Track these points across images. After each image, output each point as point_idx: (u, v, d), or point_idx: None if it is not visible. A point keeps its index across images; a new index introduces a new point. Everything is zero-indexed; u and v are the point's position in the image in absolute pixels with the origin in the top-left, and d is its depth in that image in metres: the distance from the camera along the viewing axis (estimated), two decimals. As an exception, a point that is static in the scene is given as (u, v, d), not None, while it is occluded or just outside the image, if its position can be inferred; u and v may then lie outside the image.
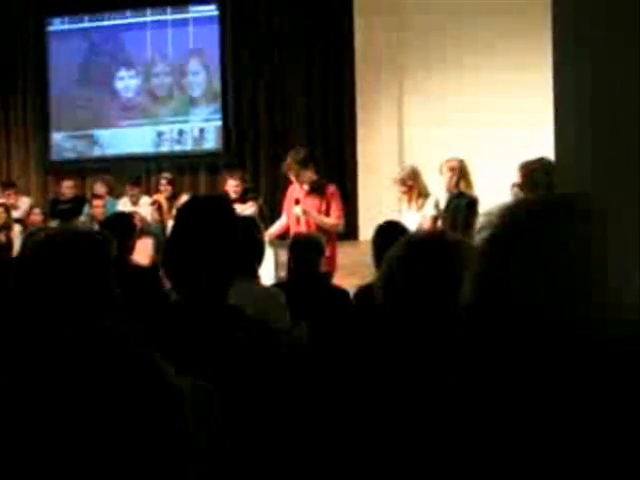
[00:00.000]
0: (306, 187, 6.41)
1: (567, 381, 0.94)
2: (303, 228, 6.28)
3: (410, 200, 6.63)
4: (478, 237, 1.02)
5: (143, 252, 5.29)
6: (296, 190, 6.51)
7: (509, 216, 1.01)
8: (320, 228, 6.20)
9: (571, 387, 0.94)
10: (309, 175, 6.41)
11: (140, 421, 1.30)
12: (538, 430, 0.94)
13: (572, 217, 0.97)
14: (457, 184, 6.37)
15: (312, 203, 6.35)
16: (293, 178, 6.44)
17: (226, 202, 2.47)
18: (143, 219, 8.19)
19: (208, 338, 2.02)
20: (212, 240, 2.13)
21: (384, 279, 1.56)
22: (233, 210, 2.37)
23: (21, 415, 1.28)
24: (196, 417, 1.46)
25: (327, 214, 6.35)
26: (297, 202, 6.37)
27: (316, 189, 6.41)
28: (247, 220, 4.11)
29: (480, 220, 1.04)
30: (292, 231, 6.32)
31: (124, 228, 4.54)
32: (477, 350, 1.00)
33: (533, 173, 5.05)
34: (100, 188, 9.92)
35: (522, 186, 5.19)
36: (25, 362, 1.39)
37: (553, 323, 0.94)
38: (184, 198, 8.54)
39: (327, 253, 5.03)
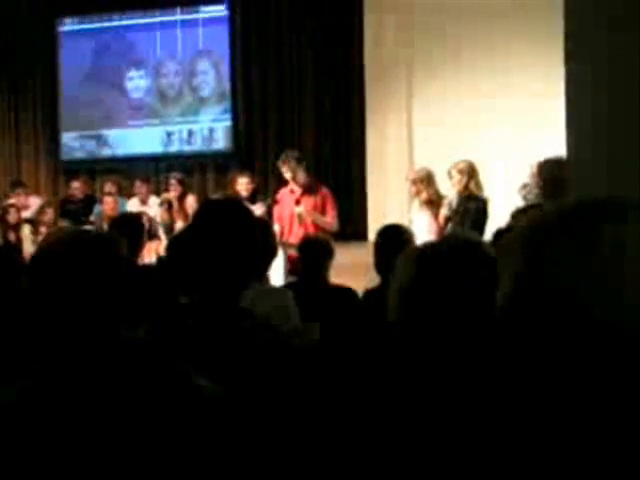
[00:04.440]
0: (298, 188, 6.51)
1: (603, 380, 0.94)
2: (301, 229, 6.37)
3: (421, 202, 6.64)
4: (506, 239, 1.02)
5: (153, 253, 5.30)
6: (287, 194, 6.60)
7: (542, 217, 1.01)
8: (318, 228, 6.27)
9: (607, 386, 0.94)
10: (303, 175, 6.54)
11: (170, 419, 1.31)
12: (578, 432, 0.94)
13: (605, 219, 0.98)
14: (467, 186, 6.36)
15: (308, 203, 6.45)
16: (289, 175, 6.54)
17: (243, 205, 2.45)
18: (152, 220, 8.19)
19: (218, 341, 2.02)
20: (230, 243, 2.12)
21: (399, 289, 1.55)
22: (251, 213, 2.36)
23: (60, 414, 1.28)
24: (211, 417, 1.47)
25: (322, 214, 6.46)
26: (297, 202, 6.46)
27: (310, 190, 6.51)
28: (260, 222, 4.10)
29: (510, 222, 1.05)
30: (289, 232, 6.41)
31: (132, 229, 4.53)
32: (514, 349, 1.00)
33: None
34: (110, 188, 9.94)
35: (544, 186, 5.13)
36: (57, 366, 1.40)
37: (588, 322, 0.94)
38: (190, 199, 8.61)
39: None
